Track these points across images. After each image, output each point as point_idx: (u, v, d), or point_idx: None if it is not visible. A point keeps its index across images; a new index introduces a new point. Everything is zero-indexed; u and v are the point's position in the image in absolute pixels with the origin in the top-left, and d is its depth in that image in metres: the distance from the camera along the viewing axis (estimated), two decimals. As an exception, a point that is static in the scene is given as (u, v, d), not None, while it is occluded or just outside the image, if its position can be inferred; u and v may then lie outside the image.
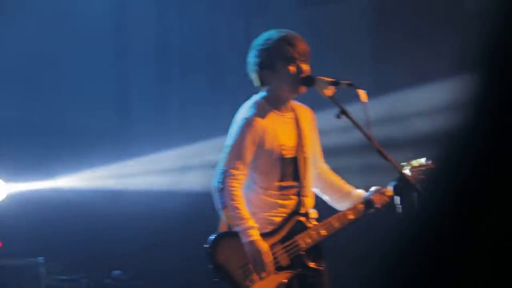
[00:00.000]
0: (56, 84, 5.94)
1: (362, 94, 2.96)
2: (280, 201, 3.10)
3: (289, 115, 3.17)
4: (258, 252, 2.98)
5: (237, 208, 3.02)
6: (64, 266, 5.10)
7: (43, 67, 5.94)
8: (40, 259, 4.90)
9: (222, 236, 3.09)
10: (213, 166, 3.27)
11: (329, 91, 3.00)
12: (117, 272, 5.09)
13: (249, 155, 3.04)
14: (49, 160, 5.54)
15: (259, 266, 3.00)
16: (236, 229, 3.01)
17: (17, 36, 5.81)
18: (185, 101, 5.83)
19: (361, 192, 3.21)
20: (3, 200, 5.15)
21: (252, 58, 3.14)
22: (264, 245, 2.99)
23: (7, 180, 5.19)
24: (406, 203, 2.90)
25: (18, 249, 4.95)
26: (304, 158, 3.13)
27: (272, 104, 3.13)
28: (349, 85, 3.01)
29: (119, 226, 5.26)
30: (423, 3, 5.35)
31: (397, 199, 2.94)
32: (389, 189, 3.07)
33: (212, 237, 3.08)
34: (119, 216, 5.29)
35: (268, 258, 2.99)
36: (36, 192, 5.36)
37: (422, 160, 3.19)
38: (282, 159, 3.08)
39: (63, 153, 5.64)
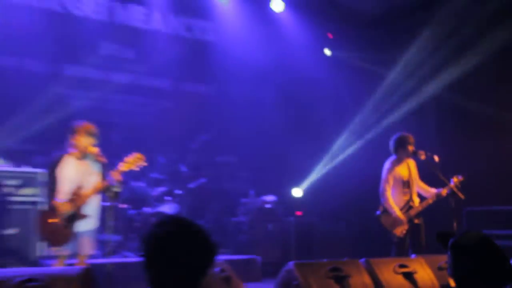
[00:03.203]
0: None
1: (436, 157, 6.78)
2: (403, 197, 6.87)
3: (405, 163, 6.97)
4: (402, 221, 6.79)
5: (390, 204, 6.76)
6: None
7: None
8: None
9: (382, 212, 6.92)
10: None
11: (423, 156, 6.84)
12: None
13: (391, 181, 6.92)
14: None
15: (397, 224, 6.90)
16: (391, 211, 6.80)
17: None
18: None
19: (434, 190, 6.71)
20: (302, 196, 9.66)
21: (393, 142, 7.04)
22: (403, 218, 6.81)
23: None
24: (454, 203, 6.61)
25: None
26: (411, 180, 6.93)
27: (398, 160, 6.92)
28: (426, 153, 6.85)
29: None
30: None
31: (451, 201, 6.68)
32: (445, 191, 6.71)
33: (379, 212, 6.91)
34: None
35: (405, 223, 6.81)
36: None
37: (459, 176, 6.60)
38: (403, 181, 6.94)
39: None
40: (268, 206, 9.02)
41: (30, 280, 3.98)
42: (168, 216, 2.07)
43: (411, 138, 6.88)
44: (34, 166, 7.68)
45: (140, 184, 8.66)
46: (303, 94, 10.36)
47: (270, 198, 9.05)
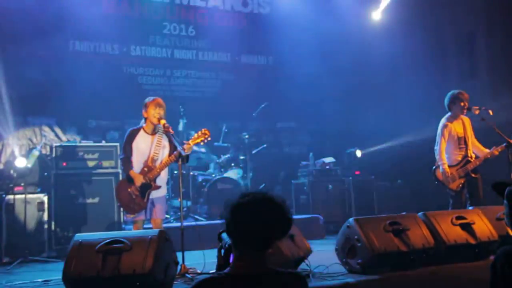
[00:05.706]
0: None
1: (490, 111, 6.55)
2: (459, 153, 6.73)
3: (460, 120, 6.78)
4: (447, 174, 6.65)
5: (440, 157, 6.64)
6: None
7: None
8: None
9: (437, 167, 6.83)
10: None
11: (477, 111, 6.65)
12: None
13: (446, 136, 6.77)
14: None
15: (450, 178, 6.77)
16: (440, 163, 6.63)
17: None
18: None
19: (487, 150, 6.60)
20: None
21: (447, 99, 6.81)
22: (448, 170, 6.65)
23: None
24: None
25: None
26: (467, 136, 6.74)
27: (453, 117, 6.75)
28: (480, 108, 6.58)
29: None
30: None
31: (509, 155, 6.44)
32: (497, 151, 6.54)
33: (434, 167, 6.85)
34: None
35: (451, 175, 6.68)
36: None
37: None
38: (458, 137, 6.78)
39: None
40: (327, 167, 8.97)
41: (114, 242, 4.14)
42: (253, 191, 2.11)
43: (464, 95, 6.68)
44: (109, 141, 7.92)
45: (207, 152, 8.76)
46: (356, 60, 10.13)
47: (329, 159, 9.00)
